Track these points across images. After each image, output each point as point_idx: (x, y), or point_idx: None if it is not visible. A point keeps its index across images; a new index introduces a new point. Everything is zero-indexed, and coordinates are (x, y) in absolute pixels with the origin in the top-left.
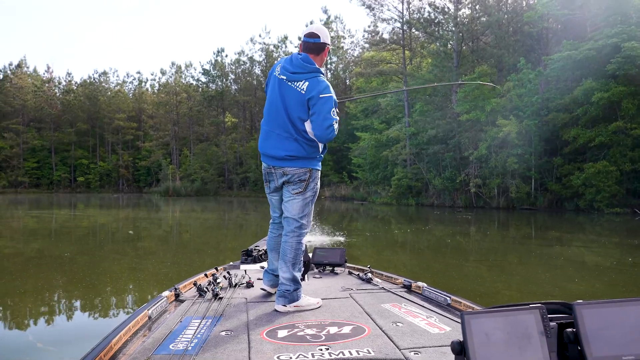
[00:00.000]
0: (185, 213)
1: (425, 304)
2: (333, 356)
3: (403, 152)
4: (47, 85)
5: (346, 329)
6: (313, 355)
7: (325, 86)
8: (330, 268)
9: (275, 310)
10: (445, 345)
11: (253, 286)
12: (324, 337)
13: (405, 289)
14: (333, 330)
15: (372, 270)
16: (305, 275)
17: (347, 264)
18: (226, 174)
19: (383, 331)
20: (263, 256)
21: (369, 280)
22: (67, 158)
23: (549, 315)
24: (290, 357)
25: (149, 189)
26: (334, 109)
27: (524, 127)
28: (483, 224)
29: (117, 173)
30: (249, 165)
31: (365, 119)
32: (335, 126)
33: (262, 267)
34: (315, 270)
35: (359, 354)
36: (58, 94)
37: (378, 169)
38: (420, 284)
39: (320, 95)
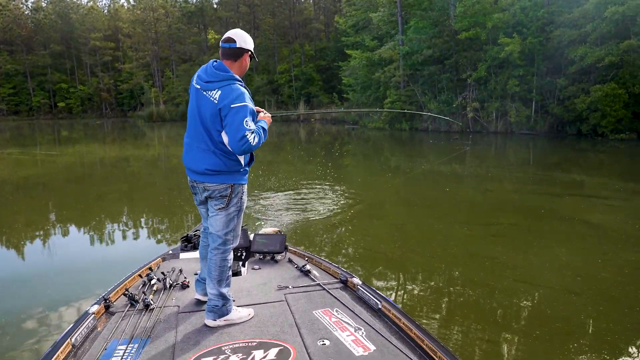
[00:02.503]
0: (173, 139)
1: (357, 308)
2: None
3: (396, 73)
4: (13, 3)
5: (271, 354)
6: None
7: (237, 95)
8: (271, 256)
9: (205, 325)
10: None
11: (188, 286)
12: None
13: (342, 284)
14: (258, 356)
15: (312, 257)
16: (245, 264)
17: (289, 248)
18: None
19: (309, 354)
20: None
21: (306, 273)
22: (45, 82)
23: None
24: None
25: (132, 113)
26: (247, 118)
27: (528, 45)
28: (480, 149)
29: (99, 97)
30: None
31: (356, 35)
32: (250, 136)
33: None
34: (256, 257)
35: None
36: (27, 13)
37: (370, 90)
38: (355, 280)
39: (232, 105)
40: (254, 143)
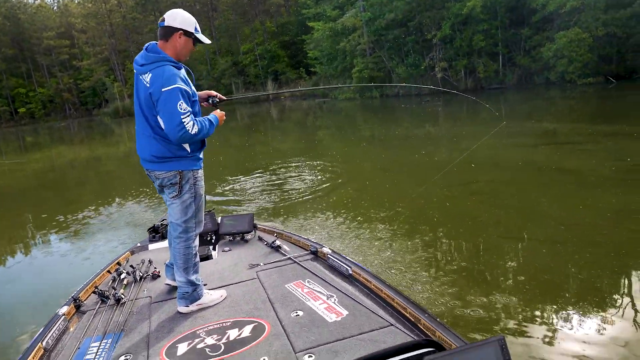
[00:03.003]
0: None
1: (328, 276)
2: None
3: (361, 40)
4: None
5: (246, 330)
6: None
7: (169, 76)
8: (240, 236)
9: (179, 312)
10: (339, 340)
11: (159, 276)
12: (222, 348)
13: (312, 256)
14: (233, 334)
15: (282, 232)
16: (216, 247)
17: (258, 226)
18: None
19: (283, 327)
20: None
21: (277, 249)
22: (1, 89)
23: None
24: None
25: (98, 111)
26: (180, 102)
27: None
28: (452, 110)
29: (60, 98)
30: (200, 72)
31: (316, 6)
32: (189, 123)
33: None
34: (226, 239)
35: None
36: None
37: (337, 61)
38: (325, 250)
39: (163, 89)
40: (193, 131)
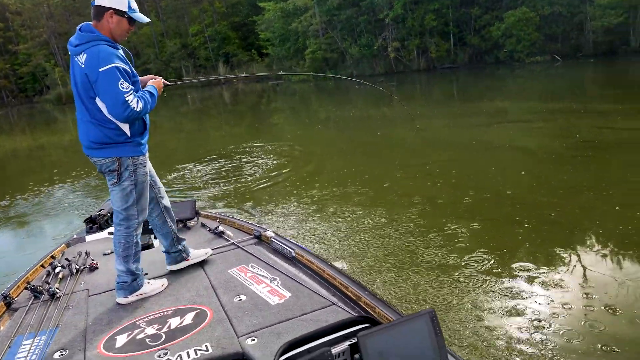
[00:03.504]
0: None
1: (272, 260)
2: None
3: (313, 21)
4: None
5: (188, 318)
6: None
7: (105, 56)
8: (183, 223)
9: (118, 303)
10: (282, 322)
11: (97, 268)
12: (163, 337)
13: (256, 240)
14: (174, 322)
15: (225, 217)
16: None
17: (201, 212)
18: None
19: (225, 312)
20: (110, 221)
21: (220, 235)
22: None
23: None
24: None
25: (39, 98)
26: (120, 80)
27: None
28: (405, 89)
29: None
30: (147, 55)
31: None
32: (133, 100)
33: (111, 234)
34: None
35: (197, 354)
36: None
37: (289, 43)
38: (269, 233)
39: (100, 69)
40: (139, 108)
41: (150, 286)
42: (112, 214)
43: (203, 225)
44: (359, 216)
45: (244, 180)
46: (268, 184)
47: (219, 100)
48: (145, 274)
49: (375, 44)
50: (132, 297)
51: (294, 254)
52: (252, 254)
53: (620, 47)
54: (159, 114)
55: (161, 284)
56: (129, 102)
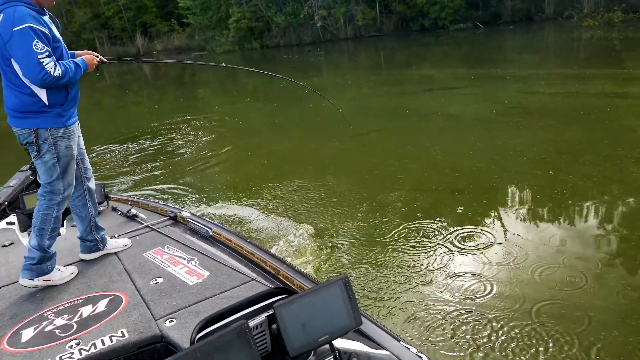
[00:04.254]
0: None
1: (188, 240)
2: (84, 354)
3: None
4: None
5: (101, 305)
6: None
7: (20, 16)
8: None
9: (22, 286)
10: (200, 301)
11: None
12: (75, 327)
13: (172, 221)
14: (86, 311)
15: (137, 200)
16: (64, 222)
17: (111, 196)
18: None
19: (141, 296)
20: (7, 210)
21: (133, 218)
22: None
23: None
24: None
25: None
26: (36, 40)
27: None
28: (334, 58)
29: None
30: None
31: None
32: (49, 64)
33: (10, 224)
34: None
35: (112, 340)
36: None
37: (211, 11)
38: (185, 214)
39: (14, 29)
40: (56, 73)
41: (60, 274)
42: (9, 203)
43: (114, 209)
44: (296, 189)
45: (173, 160)
46: (199, 164)
47: (139, 74)
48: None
49: (301, 12)
50: (38, 281)
51: (211, 233)
52: (168, 236)
53: (536, 14)
54: None
55: (71, 272)
56: (44, 64)
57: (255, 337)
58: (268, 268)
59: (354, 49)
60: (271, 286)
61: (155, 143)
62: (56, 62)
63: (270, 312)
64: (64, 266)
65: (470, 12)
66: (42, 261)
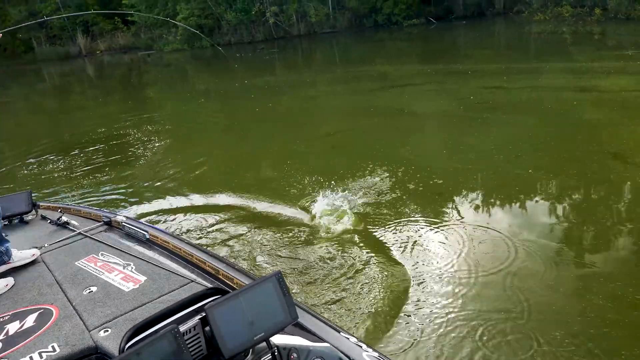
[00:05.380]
0: None
1: (124, 245)
2: None
3: None
4: None
5: (29, 320)
6: None
7: None
8: (18, 218)
9: None
10: (137, 308)
11: None
12: (0, 346)
13: (106, 226)
14: (13, 328)
15: (68, 207)
16: None
17: (40, 204)
18: None
19: (74, 307)
20: None
21: (64, 225)
22: None
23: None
24: None
25: None
26: None
27: None
28: (288, 56)
29: None
30: None
31: None
32: None
33: None
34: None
35: (42, 357)
36: None
37: (157, 8)
38: (120, 218)
39: None
40: None
41: None
42: None
43: (43, 217)
44: (261, 194)
45: (123, 170)
46: (153, 171)
47: (82, 75)
48: None
49: (252, 9)
50: None
51: (148, 237)
52: (102, 242)
53: (487, 9)
54: (9, 94)
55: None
56: None
57: (188, 340)
58: (207, 268)
59: (308, 46)
60: (211, 286)
61: (99, 151)
62: None
63: (203, 315)
64: None
65: (423, 7)
66: None
